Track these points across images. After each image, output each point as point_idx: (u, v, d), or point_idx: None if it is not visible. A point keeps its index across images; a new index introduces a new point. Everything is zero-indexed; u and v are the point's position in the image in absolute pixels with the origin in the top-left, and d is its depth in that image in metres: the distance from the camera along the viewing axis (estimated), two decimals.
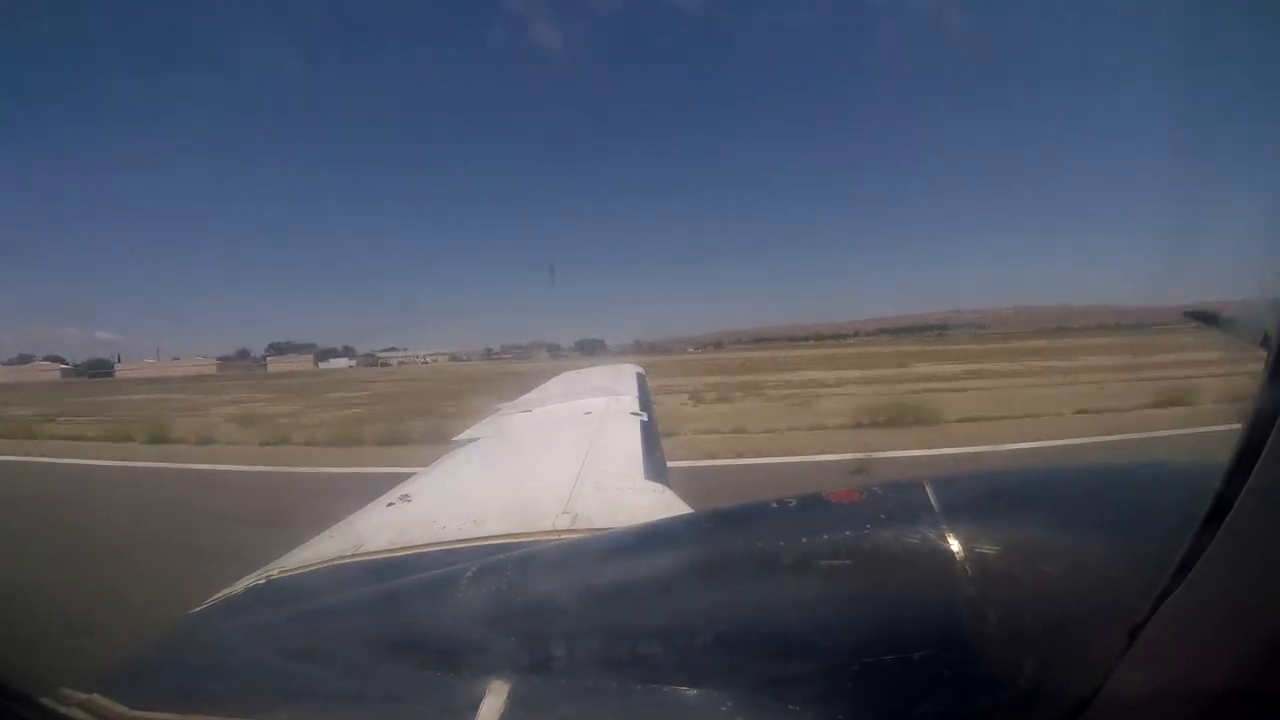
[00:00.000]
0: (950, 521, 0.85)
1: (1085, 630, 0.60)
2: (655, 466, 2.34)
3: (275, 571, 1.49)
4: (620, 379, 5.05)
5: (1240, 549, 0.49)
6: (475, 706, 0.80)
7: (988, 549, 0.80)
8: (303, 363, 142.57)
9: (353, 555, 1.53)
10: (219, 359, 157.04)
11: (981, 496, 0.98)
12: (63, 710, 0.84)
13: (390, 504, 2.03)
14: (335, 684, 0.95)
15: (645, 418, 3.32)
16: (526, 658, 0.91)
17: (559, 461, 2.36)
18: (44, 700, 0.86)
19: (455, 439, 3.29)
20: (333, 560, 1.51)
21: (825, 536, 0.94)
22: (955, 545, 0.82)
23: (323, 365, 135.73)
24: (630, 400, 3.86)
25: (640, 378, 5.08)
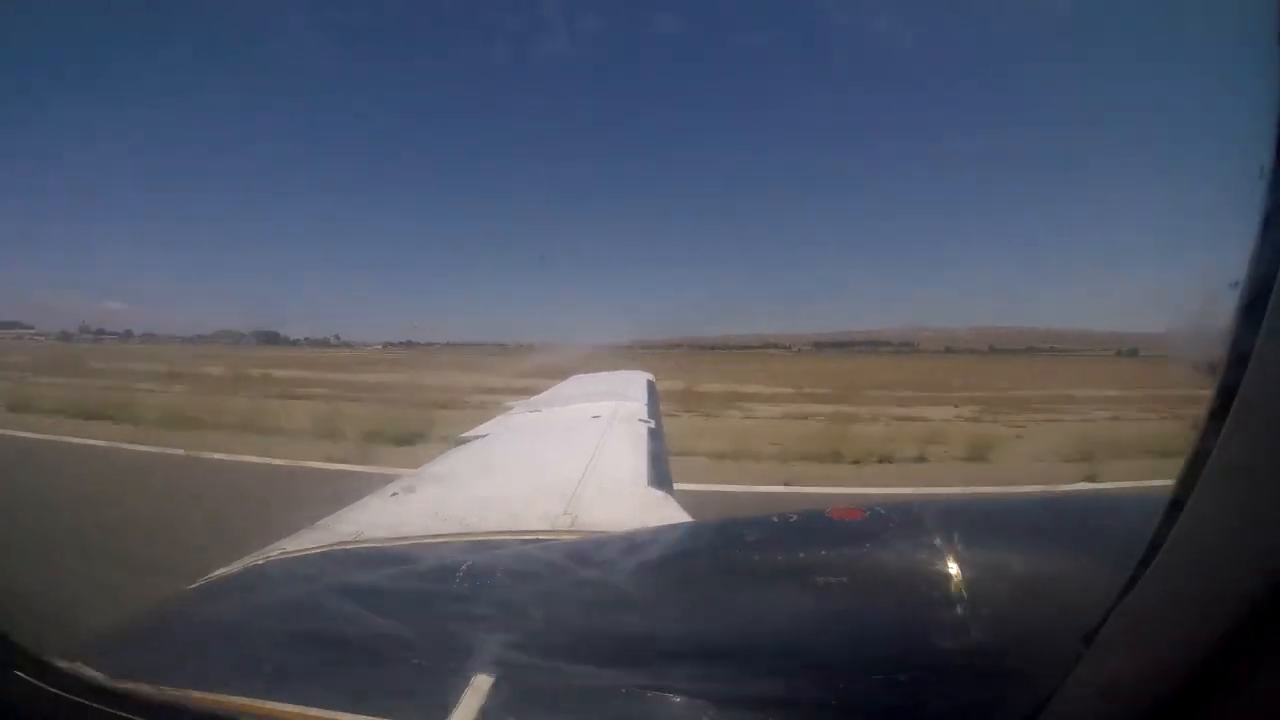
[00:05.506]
0: (944, 543, 0.90)
1: (1051, 639, 0.67)
2: (660, 474, 2.33)
3: (275, 553, 1.50)
4: (630, 385, 5.05)
5: (1184, 558, 0.56)
6: (458, 699, 0.79)
7: (978, 570, 0.86)
8: None
9: (353, 542, 1.54)
10: None
11: (977, 521, 1.04)
12: (37, 681, 0.84)
13: (394, 494, 2.05)
14: (320, 667, 0.95)
15: (653, 425, 3.31)
16: (515, 654, 0.90)
17: (564, 463, 2.37)
18: (18, 673, 0.85)
19: (463, 435, 3.31)
20: (332, 545, 1.53)
21: (823, 553, 0.94)
22: (948, 567, 0.86)
23: None
24: (639, 406, 3.85)
25: (650, 384, 5.07)
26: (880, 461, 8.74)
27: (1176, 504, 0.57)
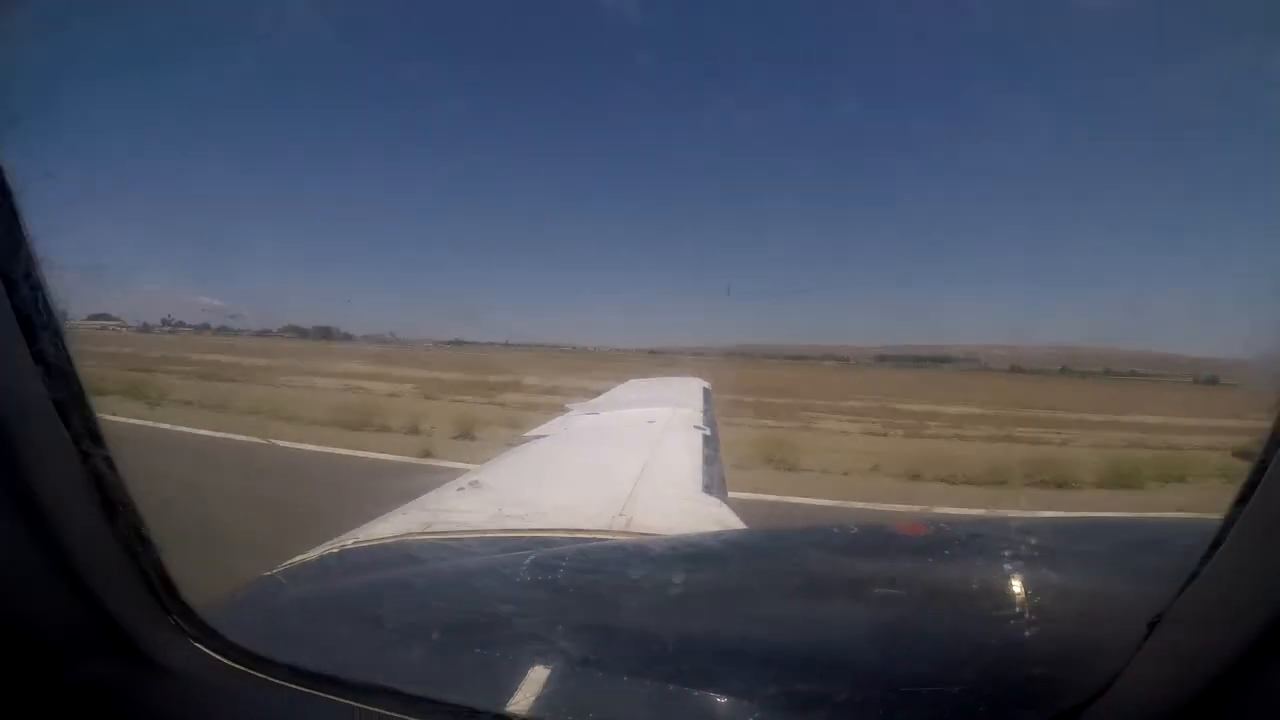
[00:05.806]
0: (1004, 562, 0.92)
1: (1119, 623, 0.73)
2: (713, 481, 2.33)
3: (350, 542, 1.61)
4: (686, 391, 5.05)
5: (1242, 553, 0.60)
6: (515, 687, 0.83)
7: (1037, 592, 0.88)
8: None
9: (421, 533, 1.64)
10: None
11: (1039, 540, 1.05)
12: (214, 654, 0.85)
13: (460, 489, 2.15)
14: (384, 649, 1.01)
15: (708, 432, 3.30)
16: (571, 647, 0.93)
17: (620, 465, 2.41)
18: (197, 645, 0.86)
19: (525, 435, 3.43)
20: (402, 536, 1.63)
21: (883, 566, 0.93)
22: (1009, 585, 0.87)
23: None
24: (694, 413, 3.85)
25: (706, 392, 5.06)
26: (379, 430, 10.25)
27: (1240, 501, 0.60)
